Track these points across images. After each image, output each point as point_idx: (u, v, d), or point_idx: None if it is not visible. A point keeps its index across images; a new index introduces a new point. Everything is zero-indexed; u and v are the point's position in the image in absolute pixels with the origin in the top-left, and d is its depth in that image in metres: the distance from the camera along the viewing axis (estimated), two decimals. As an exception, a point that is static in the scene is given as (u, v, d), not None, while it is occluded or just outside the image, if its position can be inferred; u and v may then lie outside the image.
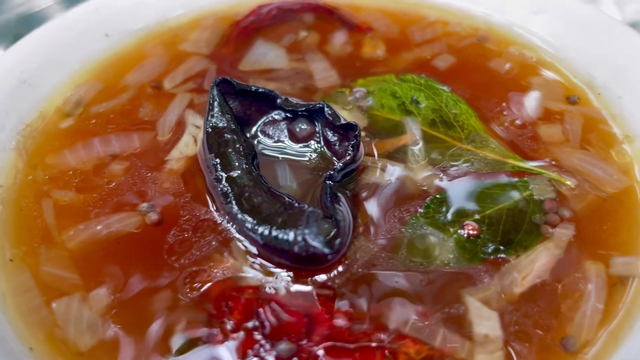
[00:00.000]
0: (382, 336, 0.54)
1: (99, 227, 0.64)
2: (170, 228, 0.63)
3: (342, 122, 0.68)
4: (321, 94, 0.81)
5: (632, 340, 0.52)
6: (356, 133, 0.67)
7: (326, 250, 0.56)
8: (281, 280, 0.58)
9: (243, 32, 0.92)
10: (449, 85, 0.80)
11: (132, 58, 0.88)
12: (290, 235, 0.57)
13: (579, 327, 0.55)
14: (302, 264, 0.58)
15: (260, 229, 0.58)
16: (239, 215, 0.60)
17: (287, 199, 0.62)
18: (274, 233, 0.58)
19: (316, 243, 0.56)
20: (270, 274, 0.59)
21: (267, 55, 0.87)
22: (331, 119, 0.68)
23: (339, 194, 0.65)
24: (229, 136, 0.68)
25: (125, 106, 0.80)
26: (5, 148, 0.73)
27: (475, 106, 0.77)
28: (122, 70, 0.86)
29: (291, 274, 0.59)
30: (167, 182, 0.69)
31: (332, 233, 0.57)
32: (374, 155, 0.71)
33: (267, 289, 0.58)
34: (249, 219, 0.59)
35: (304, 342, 0.53)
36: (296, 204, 0.61)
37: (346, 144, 0.68)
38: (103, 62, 0.88)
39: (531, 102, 0.78)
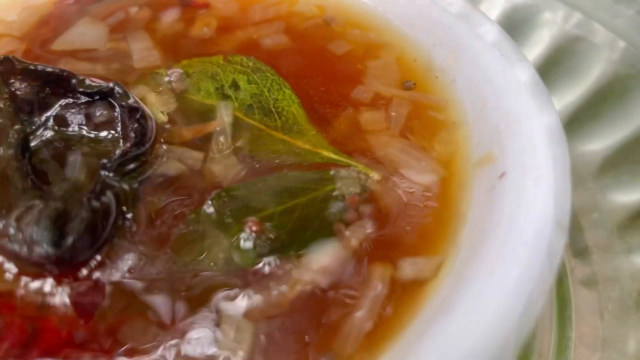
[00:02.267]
0: (114, 352, 0.46)
1: None
2: None
3: (130, 103, 0.61)
4: (138, 75, 0.73)
5: (388, 354, 0.45)
6: (138, 116, 0.59)
7: (50, 251, 0.48)
8: (15, 286, 0.50)
9: (66, 11, 0.83)
10: (281, 68, 0.72)
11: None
12: (19, 234, 0.49)
13: (343, 340, 0.47)
14: (35, 265, 0.50)
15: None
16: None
17: (40, 192, 0.54)
18: (10, 230, 0.50)
19: (42, 241, 0.48)
20: (6, 276, 0.51)
21: (85, 34, 0.79)
22: (121, 101, 0.61)
23: (112, 185, 0.57)
24: (-1, 122, 0.60)
25: None
26: None
27: (301, 91, 0.70)
28: None
29: (28, 278, 0.51)
30: None
31: (70, 230, 0.49)
32: (170, 142, 0.63)
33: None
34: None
35: (15, 357, 0.45)
36: (44, 198, 0.53)
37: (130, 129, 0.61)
38: None
39: (363, 87, 0.71)
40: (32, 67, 0.64)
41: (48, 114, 0.66)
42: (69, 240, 0.49)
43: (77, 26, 0.80)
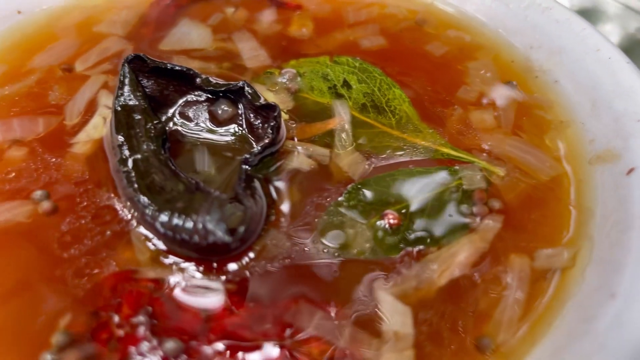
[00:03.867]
0: (285, 335, 0.49)
1: (-14, 217, 0.58)
2: (65, 216, 0.58)
3: (262, 102, 0.64)
4: (250, 74, 0.76)
5: (549, 338, 0.48)
6: (275, 114, 0.62)
7: (227, 239, 0.51)
8: (181, 272, 0.53)
9: (164, 12, 0.86)
10: (383, 68, 0.76)
11: (42, 39, 0.81)
12: (190, 223, 0.52)
13: (496, 326, 0.51)
14: (204, 254, 0.53)
15: (161, 216, 0.53)
16: (140, 201, 0.55)
17: (194, 184, 0.57)
18: (175, 220, 0.52)
19: (217, 231, 0.51)
20: (171, 265, 0.54)
21: (190, 34, 0.82)
22: (251, 98, 0.64)
23: (255, 179, 0.60)
24: (138, 116, 0.63)
25: (33, 89, 0.73)
26: None
27: (410, 90, 0.73)
28: (29, 52, 0.78)
29: (193, 265, 0.54)
30: (69, 167, 0.63)
31: (237, 220, 0.52)
32: (298, 139, 0.66)
33: (165, 282, 0.53)
34: (150, 204, 0.54)
35: (196, 340, 0.48)
36: (205, 189, 0.55)
37: (266, 126, 0.64)
38: (11, 42, 0.80)
39: (467, 87, 0.74)
40: (162, 65, 0.66)
41: (173, 109, 0.68)
42: (242, 229, 0.52)
43: (180, 27, 0.83)
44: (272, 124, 0.62)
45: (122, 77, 0.65)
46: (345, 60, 0.77)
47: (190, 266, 0.54)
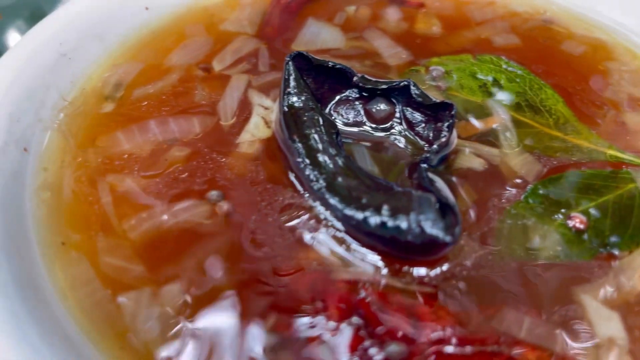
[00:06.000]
0: (497, 341, 0.48)
1: (164, 217, 0.57)
2: (249, 215, 0.57)
3: (434, 101, 0.62)
4: (395, 71, 0.75)
5: None
6: (453, 113, 0.61)
7: (448, 239, 0.50)
8: (380, 274, 0.52)
9: (286, 10, 0.85)
10: (526, 67, 0.75)
11: (171, 37, 0.80)
12: (403, 223, 0.50)
13: None
14: (413, 253, 0.52)
15: (362, 216, 0.52)
16: (333, 202, 0.55)
17: (383, 182, 0.56)
18: (381, 220, 0.51)
19: (435, 231, 0.50)
20: (369, 265, 0.53)
21: (320, 34, 0.81)
22: (420, 98, 0.63)
23: (436, 179, 0.59)
24: (308, 115, 0.62)
25: (177, 88, 0.72)
26: (47, 128, 0.65)
27: (559, 90, 0.72)
28: (162, 50, 0.78)
29: (390, 266, 0.53)
30: (239, 166, 0.62)
31: (451, 220, 0.51)
32: (464, 138, 0.65)
33: (364, 283, 0.52)
34: (347, 205, 0.53)
35: (414, 344, 0.47)
36: (398, 188, 0.55)
37: (439, 124, 0.63)
38: (141, 39, 0.80)
39: (614, 88, 0.73)
40: (324, 63, 0.65)
41: (327, 108, 0.67)
42: (458, 229, 0.51)
43: (308, 26, 0.82)
44: (447, 122, 0.61)
45: (286, 76, 0.64)
46: (489, 58, 0.76)
47: (385, 267, 0.53)
